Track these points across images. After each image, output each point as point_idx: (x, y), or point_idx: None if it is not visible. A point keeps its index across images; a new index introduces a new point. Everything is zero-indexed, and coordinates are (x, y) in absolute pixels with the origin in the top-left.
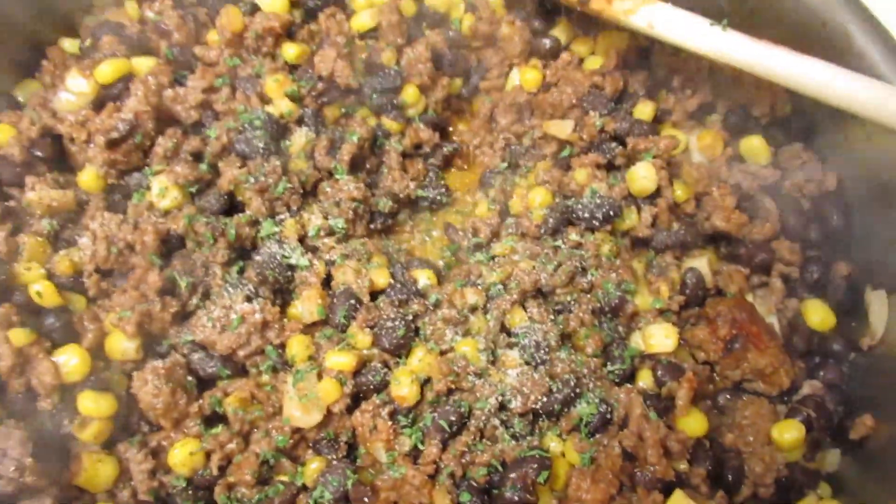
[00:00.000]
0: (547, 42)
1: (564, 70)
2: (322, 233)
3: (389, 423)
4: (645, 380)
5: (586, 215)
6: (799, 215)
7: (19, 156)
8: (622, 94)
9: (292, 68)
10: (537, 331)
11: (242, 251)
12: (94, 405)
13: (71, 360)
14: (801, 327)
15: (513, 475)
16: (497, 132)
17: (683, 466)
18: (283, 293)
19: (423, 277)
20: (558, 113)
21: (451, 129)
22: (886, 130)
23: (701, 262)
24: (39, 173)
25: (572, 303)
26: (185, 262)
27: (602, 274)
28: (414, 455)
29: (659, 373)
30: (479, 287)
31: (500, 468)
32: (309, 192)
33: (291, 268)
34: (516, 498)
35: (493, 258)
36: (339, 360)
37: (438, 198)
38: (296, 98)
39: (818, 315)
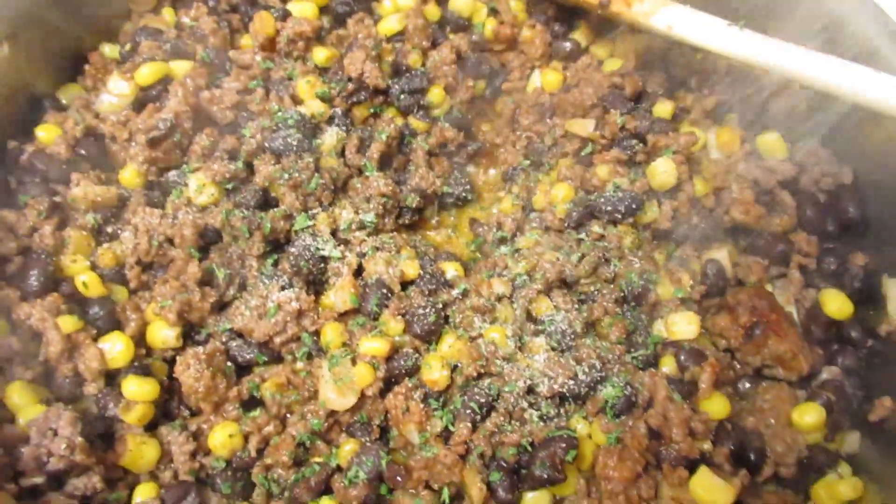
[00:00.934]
0: (567, 45)
1: (584, 72)
2: (353, 226)
3: (421, 405)
4: (668, 365)
5: (609, 209)
6: (816, 208)
7: (65, 154)
8: (641, 93)
9: (322, 71)
10: (563, 319)
11: (277, 244)
12: (138, 389)
13: (116, 346)
14: (820, 316)
15: (542, 454)
16: (519, 131)
17: (707, 446)
18: (316, 284)
19: (451, 269)
20: (580, 112)
21: (474, 128)
22: None
23: (721, 254)
24: (83, 171)
25: (596, 292)
26: (223, 254)
27: (625, 265)
28: (445, 436)
29: (682, 358)
30: (506, 278)
31: (528, 448)
32: (340, 189)
33: (324, 259)
34: (545, 475)
35: (517, 251)
36: (373, 345)
37: (463, 194)
38: (326, 99)
39: (836, 304)
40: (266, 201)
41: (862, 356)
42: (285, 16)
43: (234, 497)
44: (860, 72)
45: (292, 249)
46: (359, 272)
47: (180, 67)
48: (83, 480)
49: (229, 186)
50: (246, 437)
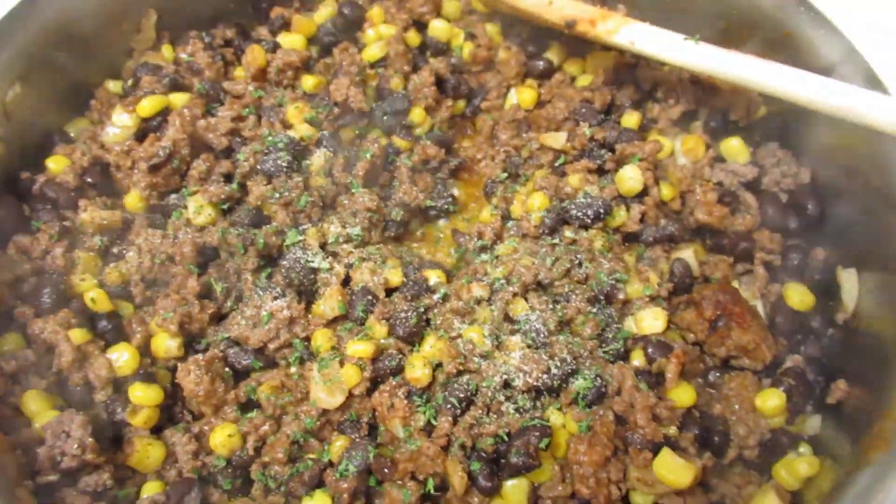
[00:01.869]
0: (541, 64)
1: (558, 88)
2: (341, 240)
3: (405, 402)
4: (637, 358)
5: (579, 214)
6: (777, 207)
7: (73, 182)
8: (610, 106)
9: (310, 97)
10: (537, 318)
11: (270, 258)
12: (144, 394)
13: (122, 356)
14: (784, 308)
15: (517, 443)
16: (498, 146)
17: (673, 431)
18: (307, 294)
19: (434, 276)
20: (553, 126)
21: (455, 145)
22: (852, 126)
23: (687, 254)
24: (90, 197)
25: (569, 293)
26: (220, 269)
27: (595, 266)
28: (428, 430)
29: (650, 351)
30: (484, 282)
31: (505, 438)
32: (328, 205)
33: (314, 271)
34: (521, 462)
35: (496, 258)
36: (359, 347)
37: (446, 207)
38: (314, 123)
39: (798, 296)
40: (259, 219)
41: (823, 344)
42: (275, 48)
43: (234, 493)
44: (815, 81)
45: (284, 262)
46: (346, 282)
47: (178, 99)
48: (94, 478)
49: (225, 207)
50: (244, 437)
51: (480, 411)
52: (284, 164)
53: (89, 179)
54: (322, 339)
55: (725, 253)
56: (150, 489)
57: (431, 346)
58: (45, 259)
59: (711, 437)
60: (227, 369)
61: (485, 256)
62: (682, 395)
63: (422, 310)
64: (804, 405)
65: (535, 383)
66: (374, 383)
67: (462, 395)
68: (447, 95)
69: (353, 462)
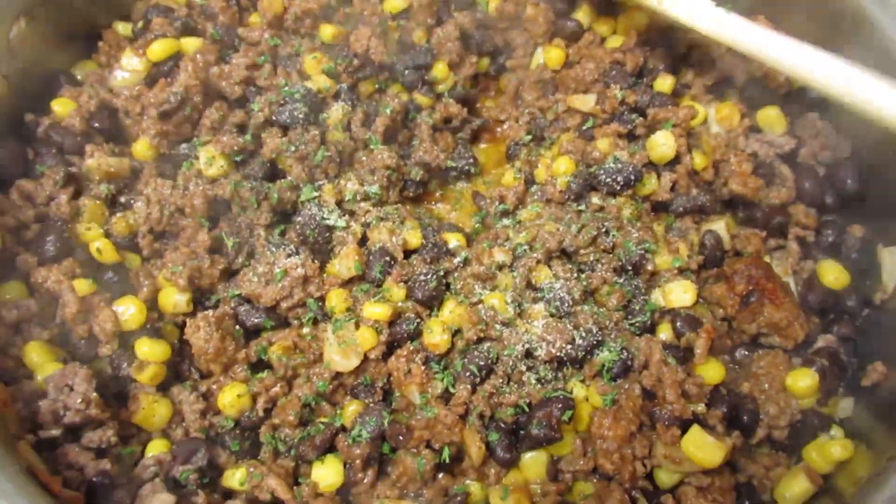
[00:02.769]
0: (570, 24)
1: (587, 48)
2: (358, 197)
3: (423, 367)
4: (665, 332)
5: (608, 180)
6: (814, 181)
7: (79, 126)
8: (642, 69)
9: (329, 47)
10: (562, 286)
11: (284, 214)
12: (151, 350)
13: (129, 309)
14: (817, 286)
15: (539, 414)
16: (522, 107)
17: (701, 409)
18: (321, 252)
19: (454, 239)
20: (581, 88)
21: (478, 105)
22: None
23: (719, 226)
24: (97, 143)
25: (595, 262)
26: (232, 224)
27: (623, 235)
28: (445, 398)
29: (678, 325)
30: (507, 247)
31: (526, 409)
32: (346, 161)
33: (330, 229)
34: (542, 434)
35: (518, 223)
36: (376, 310)
37: (467, 168)
38: (333, 74)
39: (833, 274)
40: (273, 173)
41: (858, 324)
42: None
43: (243, 455)
44: (838, 65)
45: (298, 219)
46: (363, 241)
47: (190, 44)
48: (98, 434)
49: (238, 159)
50: (254, 398)
51: (501, 380)
52: (301, 116)
53: (96, 124)
54: (337, 300)
55: (758, 226)
56: (156, 447)
57: (451, 311)
58: (49, 206)
59: (740, 416)
60: (237, 327)
61: (507, 221)
62: (711, 371)
63: (441, 273)
64: (837, 387)
65: (558, 353)
66: (391, 347)
67: (482, 363)
68: (471, 52)
69: (366, 427)
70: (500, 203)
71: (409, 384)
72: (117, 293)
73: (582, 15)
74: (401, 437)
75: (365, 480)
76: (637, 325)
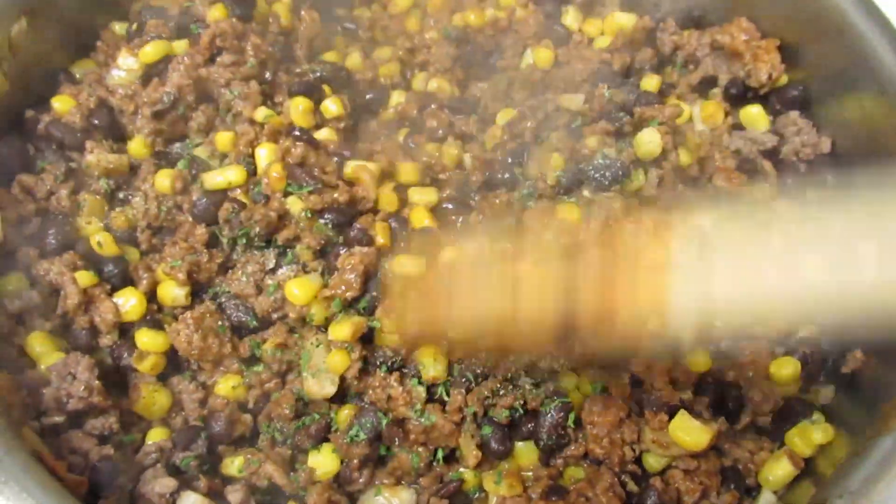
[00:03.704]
0: (559, 28)
1: (575, 49)
2: None
3: (400, 388)
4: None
5: (597, 176)
6: (796, 177)
7: (79, 123)
8: (629, 69)
9: None
10: None
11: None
12: (150, 340)
13: (129, 301)
14: None
15: (546, 425)
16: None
17: (687, 396)
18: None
19: None
20: (570, 87)
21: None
22: (874, 98)
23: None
24: (97, 139)
25: None
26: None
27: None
28: (439, 401)
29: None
30: None
31: (521, 410)
32: None
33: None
34: (554, 444)
35: None
36: (342, 330)
37: None
38: None
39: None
40: None
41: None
42: None
43: (241, 443)
44: None
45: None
46: None
47: (181, 46)
48: (101, 421)
49: None
50: (249, 389)
51: (498, 384)
52: None
53: (96, 121)
54: (317, 310)
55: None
56: (156, 435)
57: None
58: (49, 200)
59: (726, 403)
60: (220, 323)
61: None
62: (697, 360)
63: None
64: (818, 374)
65: None
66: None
67: (479, 371)
68: None
69: (363, 429)
70: None
71: (396, 407)
72: (117, 285)
73: (570, 17)
74: (397, 439)
75: (360, 480)
76: None
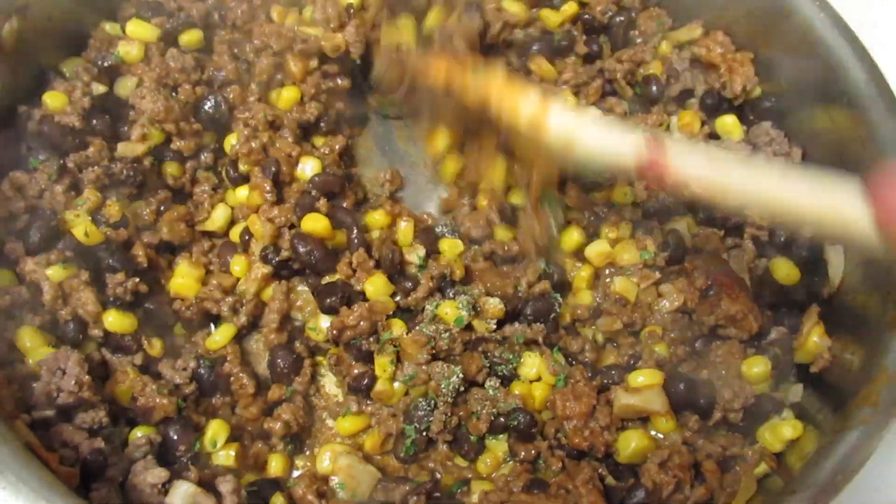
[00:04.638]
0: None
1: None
2: None
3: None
4: None
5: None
6: None
7: (72, 121)
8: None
9: None
10: None
11: None
12: (116, 321)
13: None
14: (770, 282)
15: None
16: None
17: None
18: None
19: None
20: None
21: None
22: (843, 110)
23: (681, 225)
24: (90, 137)
25: None
26: None
27: None
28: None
29: None
30: None
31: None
32: None
33: None
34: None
35: None
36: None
37: None
38: None
39: (784, 271)
40: None
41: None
42: None
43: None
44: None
45: None
46: None
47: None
48: (90, 415)
49: None
50: None
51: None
52: None
53: (92, 121)
54: None
55: (717, 226)
56: (145, 429)
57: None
58: (41, 198)
59: (698, 400)
60: None
61: None
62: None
63: None
64: (788, 373)
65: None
66: None
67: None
68: None
69: None
70: None
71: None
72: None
73: None
74: None
75: None
76: None
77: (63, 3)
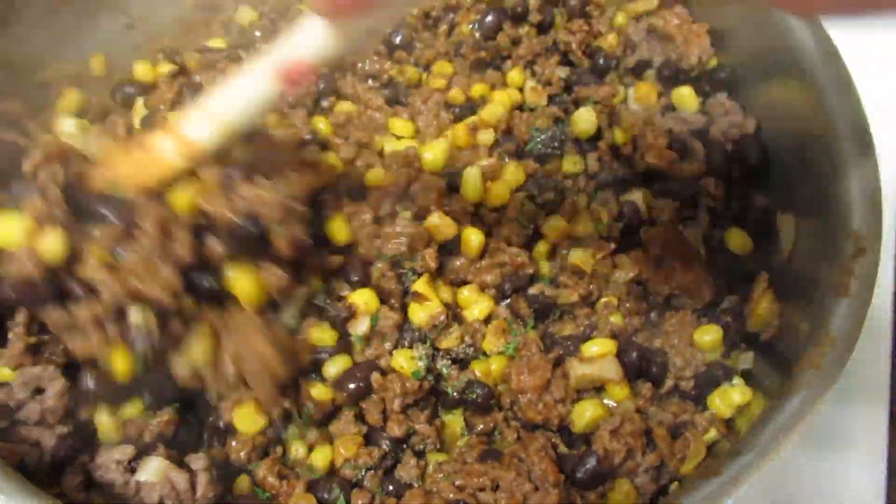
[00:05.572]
0: None
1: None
2: None
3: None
4: None
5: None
6: (723, 155)
7: None
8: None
9: None
10: None
11: None
12: None
13: None
14: (724, 252)
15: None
16: None
17: None
18: None
19: None
20: None
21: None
22: (797, 82)
23: (636, 196)
24: None
25: None
26: None
27: None
28: None
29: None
30: None
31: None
32: None
33: None
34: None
35: None
36: None
37: None
38: None
39: (738, 241)
40: None
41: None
42: None
43: None
44: None
45: None
46: None
47: None
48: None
49: None
50: None
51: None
52: None
53: None
54: None
55: (672, 197)
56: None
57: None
58: None
59: (650, 368)
60: None
61: None
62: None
63: None
64: (739, 341)
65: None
66: None
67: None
68: None
69: None
70: None
71: None
72: None
73: None
74: None
75: None
76: None
77: None
